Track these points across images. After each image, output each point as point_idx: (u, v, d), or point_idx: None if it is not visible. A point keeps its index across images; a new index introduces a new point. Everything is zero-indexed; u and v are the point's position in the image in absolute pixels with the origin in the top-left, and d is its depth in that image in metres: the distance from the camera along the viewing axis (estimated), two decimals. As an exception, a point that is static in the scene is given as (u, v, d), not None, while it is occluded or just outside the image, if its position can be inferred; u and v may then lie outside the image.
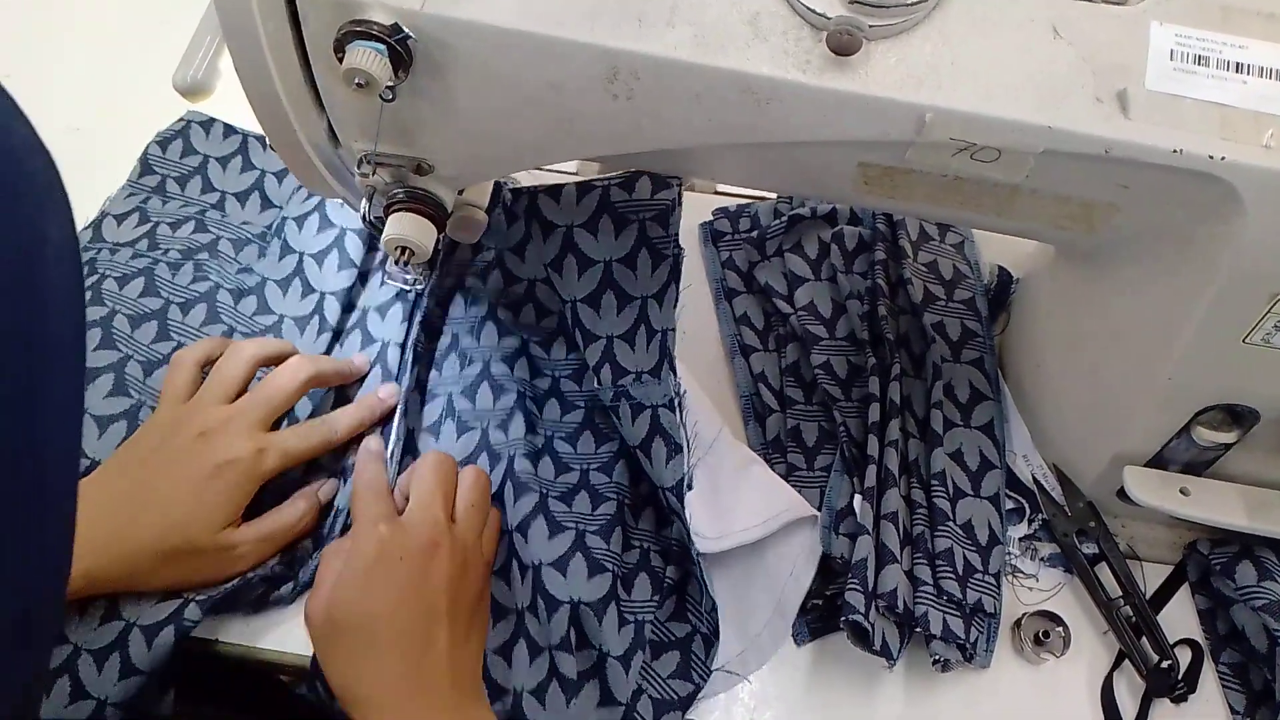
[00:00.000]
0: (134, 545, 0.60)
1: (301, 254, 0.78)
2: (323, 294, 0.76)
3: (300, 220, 0.79)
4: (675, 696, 0.63)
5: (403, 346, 0.73)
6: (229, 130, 0.87)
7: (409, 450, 0.71)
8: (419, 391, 0.74)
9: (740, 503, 0.66)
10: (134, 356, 0.72)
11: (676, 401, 0.67)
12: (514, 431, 0.69)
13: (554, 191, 0.69)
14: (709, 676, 0.64)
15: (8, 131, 0.31)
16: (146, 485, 0.62)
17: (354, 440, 0.70)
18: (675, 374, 0.68)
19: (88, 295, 0.75)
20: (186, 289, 0.77)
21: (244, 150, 0.86)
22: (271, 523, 0.65)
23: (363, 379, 0.72)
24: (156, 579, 0.62)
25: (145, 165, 0.85)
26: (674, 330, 0.69)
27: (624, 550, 0.67)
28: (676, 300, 0.69)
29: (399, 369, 0.72)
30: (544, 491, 0.67)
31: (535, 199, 0.68)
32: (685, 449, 0.66)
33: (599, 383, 0.68)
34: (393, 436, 0.69)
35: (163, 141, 0.86)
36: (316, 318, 0.75)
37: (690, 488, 0.65)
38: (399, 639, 0.57)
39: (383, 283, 0.76)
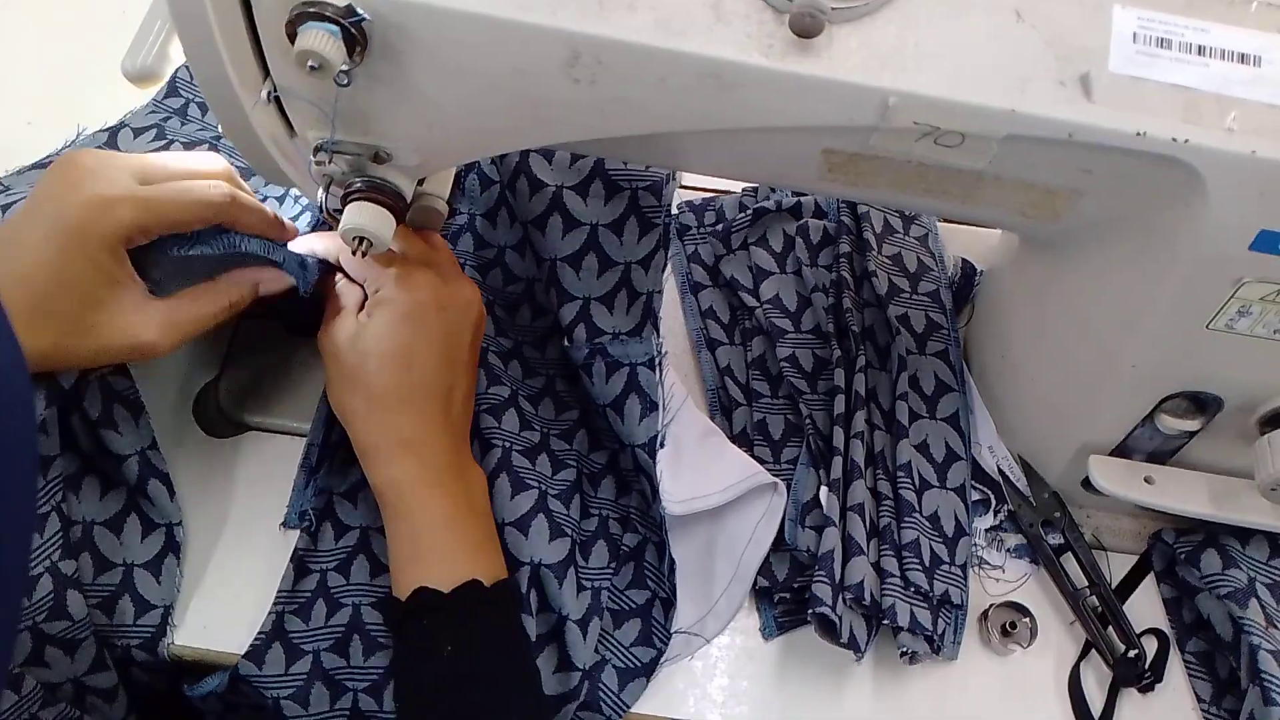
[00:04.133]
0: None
1: None
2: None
3: None
4: (639, 664, 0.64)
5: None
6: None
7: None
8: None
9: (702, 469, 0.66)
10: None
11: (657, 361, 0.68)
12: (478, 388, 0.69)
13: (547, 152, 0.68)
14: (669, 640, 0.64)
15: None
16: (6, 236, 0.54)
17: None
18: (658, 334, 0.69)
19: None
20: None
21: None
22: (186, 308, 0.57)
23: None
24: (25, 344, 0.54)
25: (172, 87, 0.85)
26: (660, 293, 0.70)
27: (582, 518, 0.67)
28: (664, 266, 0.70)
29: None
30: (507, 446, 0.66)
31: (527, 156, 0.68)
32: (660, 408, 0.67)
33: (571, 341, 0.69)
34: None
35: None
36: (309, 215, 0.73)
37: (662, 445, 0.66)
38: (433, 383, 0.60)
39: None
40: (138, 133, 0.81)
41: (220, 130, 0.54)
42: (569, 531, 0.65)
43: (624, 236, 0.69)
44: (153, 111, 0.83)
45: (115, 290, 0.54)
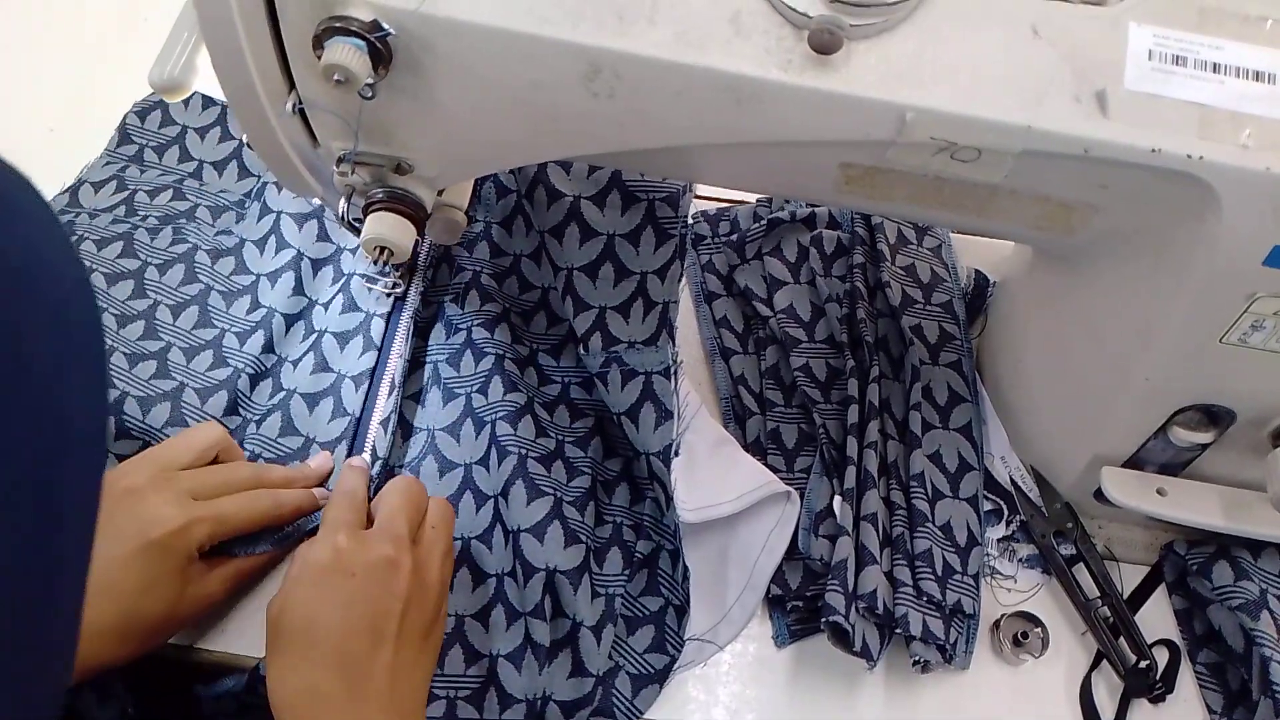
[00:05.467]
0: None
1: (279, 213, 0.77)
2: (299, 251, 0.75)
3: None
4: (652, 670, 0.64)
5: (388, 317, 0.73)
6: (208, 101, 0.86)
7: (400, 422, 0.72)
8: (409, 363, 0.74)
9: (715, 478, 0.67)
10: (108, 310, 0.72)
11: (673, 370, 0.68)
12: (494, 394, 0.69)
13: (564, 163, 0.69)
14: (682, 646, 0.65)
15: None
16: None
17: None
18: (674, 343, 0.69)
19: None
20: (165, 251, 0.77)
21: (222, 120, 0.86)
22: (242, 563, 0.64)
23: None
24: (114, 653, 0.58)
25: (123, 135, 0.86)
26: (676, 303, 0.70)
27: (596, 525, 0.68)
28: (680, 276, 0.70)
29: (386, 337, 0.72)
30: (523, 453, 0.67)
31: (545, 166, 0.69)
32: (675, 416, 0.67)
33: (586, 350, 0.69)
34: (387, 403, 0.70)
35: (141, 112, 0.87)
36: (290, 273, 0.75)
37: (677, 454, 0.66)
38: (338, 653, 0.55)
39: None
40: (97, 186, 0.82)
41: (246, 139, 0.55)
42: (584, 538, 0.65)
43: (640, 247, 0.69)
44: (109, 163, 0.84)
45: (191, 582, 0.61)
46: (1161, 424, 0.63)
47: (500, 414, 0.68)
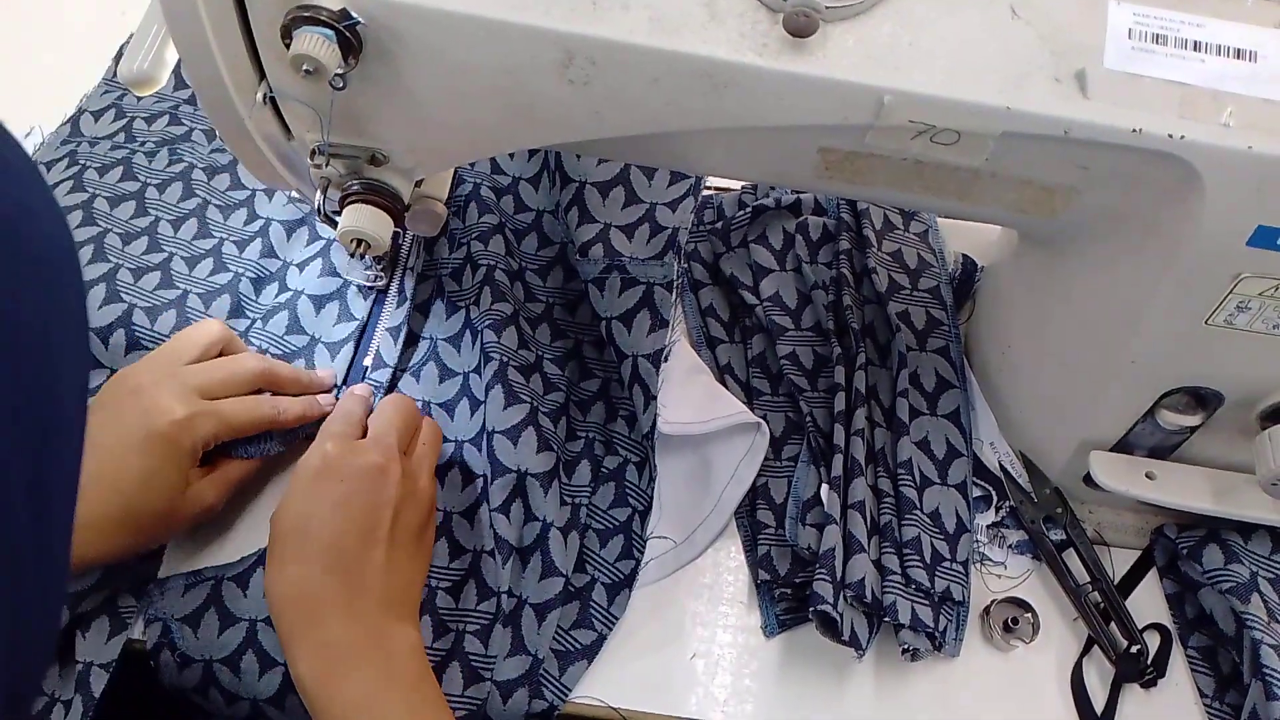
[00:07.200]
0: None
1: None
2: None
3: None
4: (622, 575, 0.66)
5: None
6: None
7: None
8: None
9: (688, 400, 0.69)
10: (112, 230, 0.76)
11: (675, 285, 0.70)
12: (484, 303, 0.71)
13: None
14: (644, 547, 0.66)
15: (30, 211, 0.31)
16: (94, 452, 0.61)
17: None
18: (680, 262, 0.71)
19: (69, 185, 0.79)
20: (163, 171, 0.80)
21: None
22: (235, 469, 0.66)
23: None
24: (112, 547, 0.60)
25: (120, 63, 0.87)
26: (687, 228, 0.72)
27: (568, 439, 0.70)
28: (693, 209, 0.72)
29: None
30: (504, 360, 0.68)
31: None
32: (670, 327, 0.69)
33: (585, 256, 0.71)
34: (397, 312, 0.73)
35: None
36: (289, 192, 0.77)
37: (666, 360, 0.68)
38: (331, 551, 0.58)
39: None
40: (97, 115, 0.85)
41: (219, 135, 0.55)
42: (555, 448, 0.67)
43: (654, 180, 0.72)
44: (106, 91, 0.87)
45: (188, 481, 0.63)
46: (1149, 407, 0.62)
47: (487, 322, 0.70)
